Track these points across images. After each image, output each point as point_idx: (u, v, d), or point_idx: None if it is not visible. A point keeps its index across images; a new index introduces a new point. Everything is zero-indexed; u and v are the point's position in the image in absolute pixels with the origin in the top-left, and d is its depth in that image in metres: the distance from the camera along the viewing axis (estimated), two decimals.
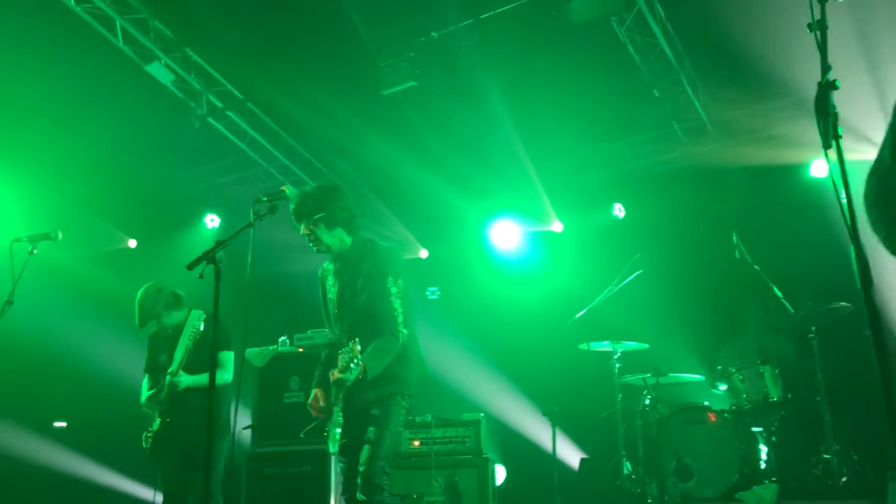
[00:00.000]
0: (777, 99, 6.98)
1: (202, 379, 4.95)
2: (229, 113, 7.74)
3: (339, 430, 3.82)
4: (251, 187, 8.80)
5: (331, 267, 4.28)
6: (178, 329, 5.11)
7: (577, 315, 6.63)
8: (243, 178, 8.95)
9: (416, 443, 6.37)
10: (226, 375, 5.11)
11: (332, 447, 3.85)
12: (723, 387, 6.60)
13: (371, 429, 3.90)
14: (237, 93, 7.62)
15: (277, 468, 6.17)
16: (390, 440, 3.91)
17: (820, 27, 2.19)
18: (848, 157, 2.05)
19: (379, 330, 3.95)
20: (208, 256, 3.44)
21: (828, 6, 2.25)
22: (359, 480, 3.80)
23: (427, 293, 7.19)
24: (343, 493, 3.98)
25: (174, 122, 7.71)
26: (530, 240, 8.79)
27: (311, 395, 4.10)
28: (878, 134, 2.82)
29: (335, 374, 3.77)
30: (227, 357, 5.16)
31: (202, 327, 4.97)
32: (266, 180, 8.79)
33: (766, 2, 5.88)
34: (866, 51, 5.88)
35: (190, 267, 3.45)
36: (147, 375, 5.29)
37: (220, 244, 3.52)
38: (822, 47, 2.16)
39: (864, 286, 2.01)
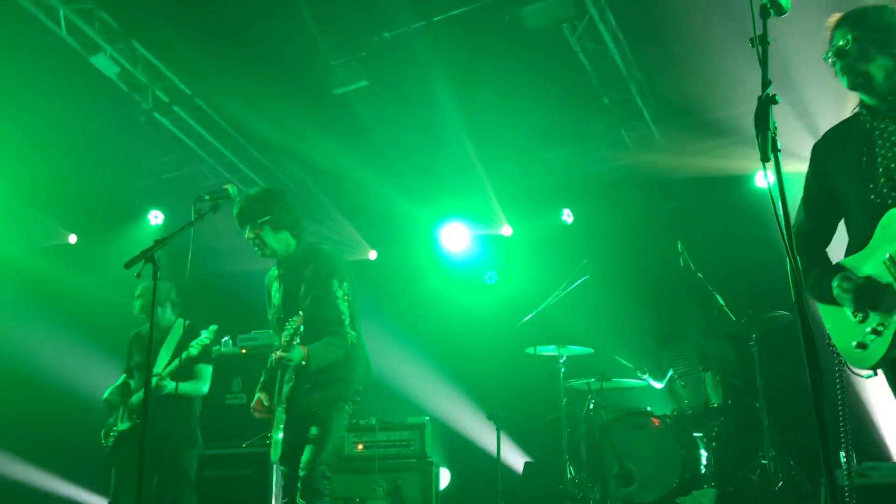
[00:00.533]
0: (725, 109, 7.10)
1: (186, 387, 5.08)
2: (176, 108, 7.58)
3: (280, 435, 3.77)
4: (197, 184, 8.65)
5: (276, 273, 4.24)
6: (164, 333, 5.22)
7: (525, 319, 6.67)
8: (189, 175, 8.78)
9: (360, 446, 6.33)
10: (203, 387, 5.21)
11: (274, 455, 3.81)
12: (655, 382, 6.68)
13: (314, 430, 3.87)
14: (184, 88, 7.46)
15: (218, 471, 6.07)
16: (332, 444, 3.89)
17: (761, 42, 2.22)
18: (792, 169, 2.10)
19: (327, 332, 3.93)
20: (147, 255, 3.37)
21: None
22: (299, 485, 3.76)
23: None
24: (283, 498, 3.93)
25: (119, 116, 7.52)
26: (480, 243, 8.80)
27: (255, 399, 4.06)
28: (801, 149, 2.97)
29: (278, 354, 3.75)
30: (207, 370, 5.24)
31: (209, 341, 5.07)
32: (213, 178, 8.64)
33: (717, 14, 5.97)
34: (789, 70, 6.04)
35: (128, 265, 3.38)
36: (124, 375, 5.31)
37: (158, 243, 3.46)
38: (764, 62, 2.19)
39: (797, 297, 2.04)
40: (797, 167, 3.15)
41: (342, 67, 6.76)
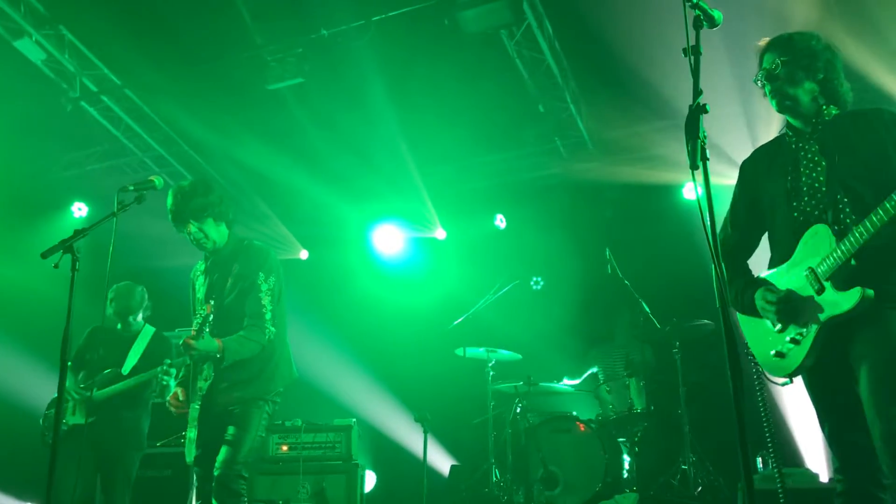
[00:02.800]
0: (656, 121, 7.25)
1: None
2: (104, 98, 7.37)
3: (194, 433, 3.66)
4: (124, 177, 8.41)
5: (202, 266, 4.15)
6: (133, 336, 5.31)
7: (455, 322, 6.68)
8: (116, 167, 8.54)
9: (285, 447, 6.22)
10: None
11: (189, 456, 3.70)
12: (570, 380, 6.81)
13: (230, 429, 3.78)
14: (114, 78, 7.25)
15: (139, 471, 5.90)
16: (250, 444, 3.80)
17: (694, 52, 2.27)
18: (719, 181, 2.14)
19: (246, 325, 3.85)
20: (65, 245, 3.24)
21: (704, 33, 2.35)
22: (214, 485, 3.66)
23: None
24: (197, 499, 3.83)
25: (44, 104, 7.28)
26: (413, 246, 8.78)
27: (171, 392, 3.96)
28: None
29: (187, 339, 3.63)
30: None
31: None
32: (140, 171, 8.43)
33: (651, 27, 6.09)
34: (739, 81, 6.18)
35: (45, 255, 3.25)
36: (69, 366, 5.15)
37: (79, 233, 3.33)
38: (696, 72, 2.24)
39: (721, 303, 2.08)
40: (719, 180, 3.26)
41: (277, 63, 6.69)
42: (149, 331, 5.41)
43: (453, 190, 8.36)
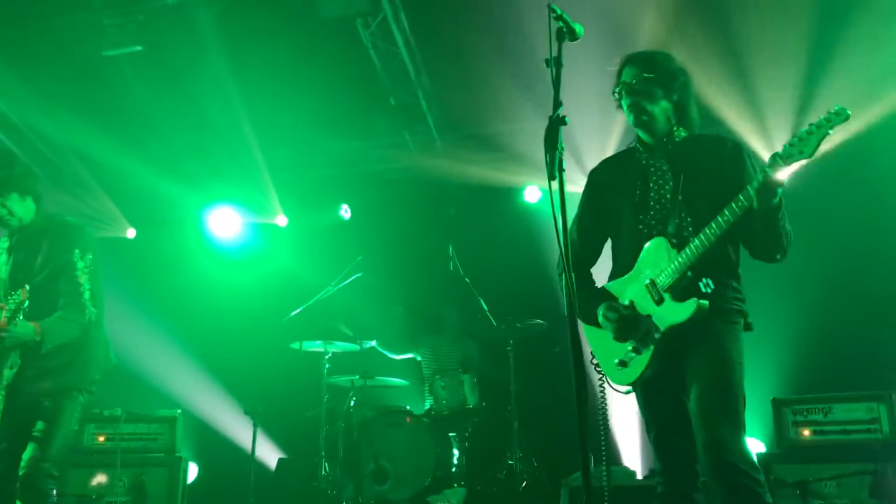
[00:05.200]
0: (503, 124, 7.39)
1: None
2: None
3: None
4: None
5: (5, 244, 3.80)
6: None
7: (293, 313, 6.52)
8: None
9: (102, 438, 5.85)
10: None
11: None
12: (391, 354, 6.95)
13: (40, 424, 3.51)
14: None
15: None
16: (62, 440, 3.54)
17: (556, 64, 2.30)
18: (571, 189, 2.18)
19: (62, 306, 3.57)
20: None
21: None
22: (17, 485, 3.37)
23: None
24: None
25: None
26: (251, 231, 8.49)
27: None
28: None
29: None
30: None
31: None
32: None
33: (506, 32, 6.20)
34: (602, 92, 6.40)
35: None
36: None
37: None
38: (556, 83, 2.28)
39: (570, 312, 2.13)
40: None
41: (116, 28, 6.26)
42: None
43: (297, 176, 8.16)
